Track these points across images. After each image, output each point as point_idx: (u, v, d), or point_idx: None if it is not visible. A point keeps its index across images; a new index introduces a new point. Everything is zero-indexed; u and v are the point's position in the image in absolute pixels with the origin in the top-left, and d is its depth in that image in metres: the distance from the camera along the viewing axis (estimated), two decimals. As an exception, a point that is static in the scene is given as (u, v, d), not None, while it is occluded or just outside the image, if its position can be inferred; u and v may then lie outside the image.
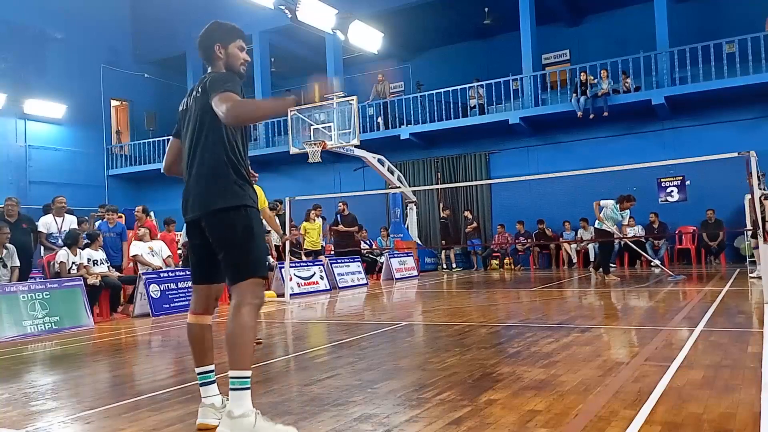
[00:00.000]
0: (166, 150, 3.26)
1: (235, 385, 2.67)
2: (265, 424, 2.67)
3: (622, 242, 14.84)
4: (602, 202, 11.20)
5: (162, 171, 3.30)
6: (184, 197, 2.99)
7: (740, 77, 13.57)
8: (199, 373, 3.01)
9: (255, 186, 3.19)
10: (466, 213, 16.68)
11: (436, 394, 3.42)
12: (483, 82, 16.65)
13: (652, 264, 13.20)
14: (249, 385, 2.68)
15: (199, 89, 2.95)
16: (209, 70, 3.09)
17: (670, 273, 11.21)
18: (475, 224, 16.29)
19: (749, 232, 10.63)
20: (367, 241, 15.55)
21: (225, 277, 2.92)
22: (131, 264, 9.73)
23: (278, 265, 10.87)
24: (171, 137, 3.25)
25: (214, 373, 3.03)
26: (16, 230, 8.06)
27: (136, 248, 9.49)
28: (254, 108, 2.85)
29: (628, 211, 11.50)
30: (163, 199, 20.94)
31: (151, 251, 9.57)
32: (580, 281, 11.15)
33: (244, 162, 2.99)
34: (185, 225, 3.03)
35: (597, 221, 11.24)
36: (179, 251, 10.72)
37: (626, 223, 11.72)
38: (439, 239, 17.03)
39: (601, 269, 11.20)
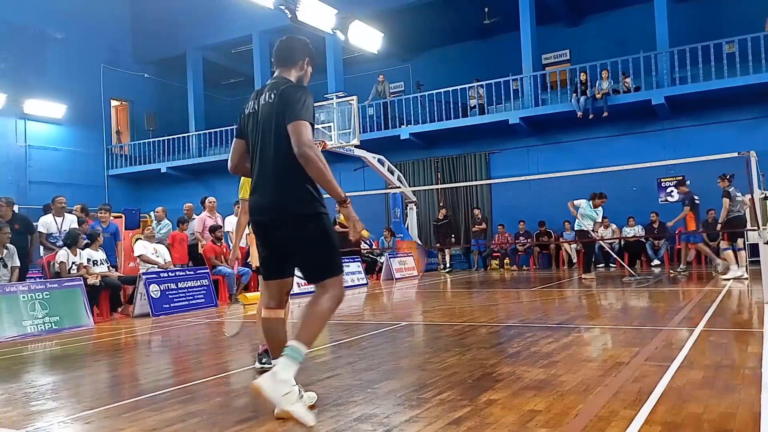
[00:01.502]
0: (231, 150, 3.36)
1: (291, 354, 2.86)
2: (295, 399, 2.83)
3: (622, 242, 14.87)
4: (576, 202, 11.35)
5: (229, 170, 3.41)
6: (256, 199, 3.12)
7: (740, 77, 13.57)
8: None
9: None
10: (476, 211, 16.59)
11: (436, 394, 3.41)
12: (483, 82, 16.65)
13: (632, 272, 13.24)
14: (301, 360, 2.89)
15: (273, 96, 3.07)
16: (278, 72, 3.25)
17: (632, 272, 11.35)
18: (483, 225, 16.28)
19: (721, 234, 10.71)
20: (367, 241, 15.54)
21: (303, 274, 3.15)
22: (132, 264, 9.75)
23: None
24: (235, 138, 3.35)
25: None
26: (10, 230, 8.04)
27: (142, 248, 9.46)
28: (320, 168, 2.93)
29: (601, 209, 11.57)
30: (163, 199, 20.95)
31: (156, 253, 9.56)
32: (579, 281, 11.14)
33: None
34: (254, 223, 3.16)
35: (576, 222, 11.41)
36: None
37: (599, 221, 11.73)
38: (433, 240, 17.00)
39: (594, 268, 11.52)
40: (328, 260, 3.07)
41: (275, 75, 3.25)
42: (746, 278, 9.79)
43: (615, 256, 13.35)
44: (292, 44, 3.27)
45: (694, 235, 11.06)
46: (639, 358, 4.15)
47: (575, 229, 11.65)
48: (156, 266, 9.35)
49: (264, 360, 4.08)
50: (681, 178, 14.03)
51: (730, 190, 10.16)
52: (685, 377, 3.54)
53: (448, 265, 16.49)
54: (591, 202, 11.34)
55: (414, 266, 14.53)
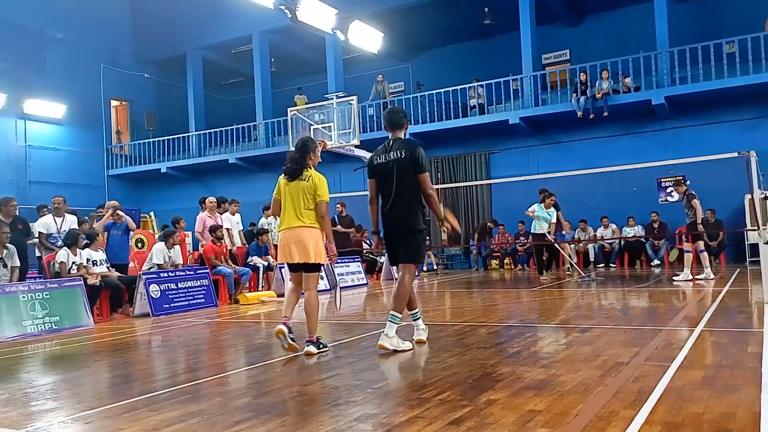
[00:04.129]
0: (370, 187, 5.10)
1: (392, 319, 4.77)
2: (399, 340, 4.76)
3: (622, 242, 14.88)
4: (531, 208, 11.54)
5: (369, 201, 5.10)
6: (389, 217, 4.97)
7: (740, 77, 13.57)
8: (411, 314, 5.13)
9: (318, 174, 5.09)
10: (490, 224, 16.47)
11: (436, 394, 3.41)
12: (483, 82, 16.65)
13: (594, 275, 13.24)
14: (398, 321, 4.78)
15: (404, 153, 4.87)
16: (393, 134, 5.08)
17: (582, 274, 11.40)
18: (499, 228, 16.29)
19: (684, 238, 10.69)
20: (367, 241, 15.54)
21: (399, 257, 5.01)
22: (132, 264, 9.75)
23: (278, 266, 10.88)
24: (370, 179, 5.11)
25: (419, 311, 5.21)
26: (12, 230, 8.05)
27: (161, 255, 9.36)
28: (435, 202, 4.99)
29: (554, 210, 11.57)
30: (163, 200, 20.99)
31: (170, 260, 9.52)
32: (579, 281, 11.13)
33: (421, 201, 4.96)
34: (383, 232, 5.05)
35: (532, 224, 11.60)
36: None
37: (553, 221, 11.64)
38: (440, 240, 17.01)
39: (543, 269, 11.57)
40: (415, 252, 4.96)
41: (392, 137, 5.05)
42: (712, 279, 9.71)
43: (569, 258, 12.75)
44: (399, 113, 5.13)
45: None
46: (639, 358, 4.15)
47: (531, 231, 11.76)
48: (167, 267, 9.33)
49: (321, 347, 4.98)
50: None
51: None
52: (685, 377, 3.54)
53: (434, 266, 16.39)
54: (542, 204, 11.40)
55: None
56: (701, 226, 9.95)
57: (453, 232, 5.33)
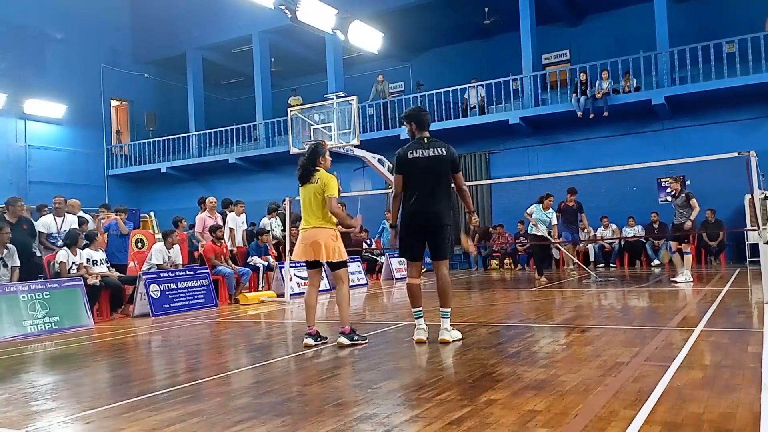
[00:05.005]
0: (399, 182, 5.16)
1: (444, 315, 5.09)
2: (453, 331, 5.10)
3: (621, 242, 14.88)
4: (529, 209, 11.47)
5: (394, 193, 5.18)
6: (421, 211, 5.06)
7: (740, 77, 13.57)
8: (415, 311, 5.23)
9: (327, 174, 5.25)
10: (491, 230, 16.45)
11: (436, 394, 3.41)
12: (483, 82, 16.64)
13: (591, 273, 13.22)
14: (449, 315, 5.10)
15: (442, 151, 5.14)
16: (420, 133, 5.28)
17: (590, 272, 11.30)
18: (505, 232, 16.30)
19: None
20: (367, 241, 15.54)
21: (432, 254, 5.21)
22: (132, 264, 9.73)
23: (278, 265, 10.88)
24: (399, 174, 5.17)
25: (422, 310, 5.26)
26: (17, 231, 8.06)
27: (160, 255, 9.36)
28: (469, 195, 5.39)
29: (552, 211, 11.53)
30: (163, 199, 20.99)
31: (170, 260, 9.52)
32: (579, 281, 11.15)
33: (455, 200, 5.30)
34: (413, 226, 5.10)
35: (529, 226, 11.50)
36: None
37: (555, 223, 11.62)
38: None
39: (538, 270, 11.39)
40: (448, 248, 5.16)
41: (424, 134, 5.25)
42: (691, 282, 9.60)
43: (573, 258, 12.69)
44: (426, 113, 5.47)
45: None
46: (639, 358, 4.15)
47: (528, 232, 11.70)
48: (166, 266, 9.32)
49: (318, 339, 5.29)
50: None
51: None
52: (685, 377, 3.54)
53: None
54: (541, 206, 11.36)
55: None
56: (688, 225, 9.88)
57: (478, 226, 5.70)
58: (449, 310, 5.10)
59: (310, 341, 5.18)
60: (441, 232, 5.07)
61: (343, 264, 5.29)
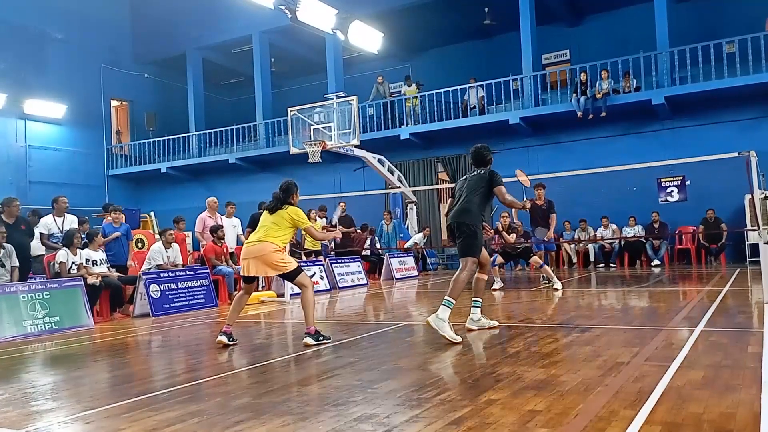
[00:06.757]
0: (450, 203, 5.88)
1: (445, 303, 5.24)
2: (447, 327, 5.10)
3: (622, 242, 14.87)
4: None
5: (445, 214, 5.95)
6: (450, 210, 5.73)
7: (740, 77, 13.57)
8: (474, 301, 5.79)
9: (294, 208, 5.53)
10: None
11: (436, 394, 3.41)
12: (483, 82, 16.64)
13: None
14: (451, 307, 5.22)
15: (484, 172, 5.70)
16: (477, 169, 5.80)
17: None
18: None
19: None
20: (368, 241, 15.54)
21: (459, 253, 5.61)
22: (132, 264, 9.73)
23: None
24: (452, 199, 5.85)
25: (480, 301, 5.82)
26: (15, 231, 8.05)
27: (159, 256, 9.36)
28: (513, 203, 5.88)
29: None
30: (163, 200, 20.99)
31: (169, 259, 9.51)
32: (579, 281, 11.15)
33: (484, 211, 5.68)
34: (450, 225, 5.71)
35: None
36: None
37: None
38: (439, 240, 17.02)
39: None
40: (471, 246, 5.51)
41: (476, 170, 5.78)
42: (559, 289, 9.13)
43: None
44: (485, 153, 5.88)
45: None
46: (639, 358, 4.15)
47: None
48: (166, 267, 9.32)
49: (231, 340, 5.54)
50: (681, 177, 14.04)
51: None
52: (685, 377, 3.54)
53: (431, 265, 16.41)
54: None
55: (414, 266, 14.51)
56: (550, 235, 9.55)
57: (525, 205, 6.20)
58: (451, 300, 5.28)
59: (224, 339, 5.45)
60: (463, 229, 5.64)
61: (297, 271, 5.45)
